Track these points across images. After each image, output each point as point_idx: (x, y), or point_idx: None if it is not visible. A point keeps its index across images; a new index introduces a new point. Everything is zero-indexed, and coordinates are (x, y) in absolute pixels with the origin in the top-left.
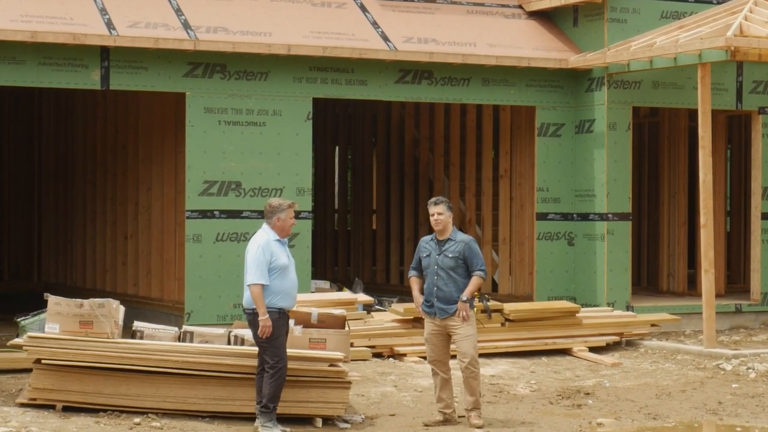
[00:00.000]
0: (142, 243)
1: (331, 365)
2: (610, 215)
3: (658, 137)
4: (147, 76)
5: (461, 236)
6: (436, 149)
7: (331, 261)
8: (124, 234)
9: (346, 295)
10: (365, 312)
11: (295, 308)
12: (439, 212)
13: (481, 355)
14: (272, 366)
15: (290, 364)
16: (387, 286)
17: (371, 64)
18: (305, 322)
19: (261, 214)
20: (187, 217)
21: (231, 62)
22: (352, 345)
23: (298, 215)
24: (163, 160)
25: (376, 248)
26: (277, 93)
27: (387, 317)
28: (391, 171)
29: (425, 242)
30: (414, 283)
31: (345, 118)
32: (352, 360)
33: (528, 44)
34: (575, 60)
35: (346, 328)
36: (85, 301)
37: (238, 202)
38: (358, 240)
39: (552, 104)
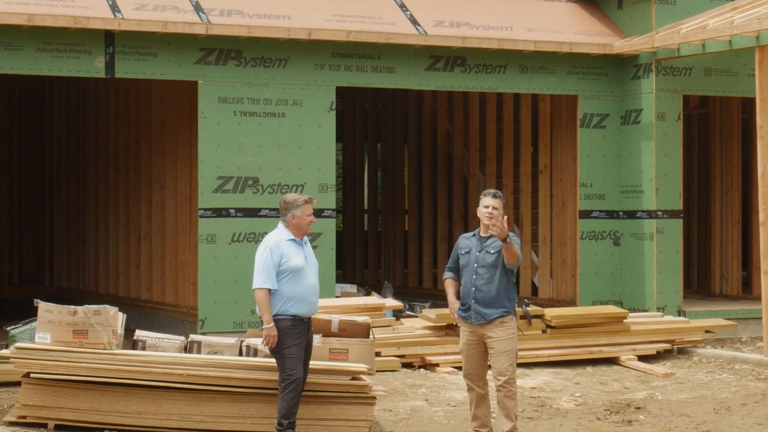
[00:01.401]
0: (155, 244)
1: (353, 378)
2: (659, 213)
3: (708, 130)
4: (155, 63)
5: None
6: (471, 144)
7: (360, 264)
8: (138, 235)
9: (372, 299)
10: (394, 318)
11: (314, 315)
12: (495, 206)
13: (520, 365)
14: (283, 379)
15: (308, 377)
16: (419, 290)
17: (399, 50)
18: (325, 330)
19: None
20: (200, 216)
21: (247, 48)
22: (378, 354)
23: (320, 214)
24: (177, 155)
25: (407, 250)
26: (298, 81)
27: (418, 324)
28: (423, 168)
29: (465, 239)
30: (449, 286)
31: (375, 113)
32: (379, 371)
33: (569, 28)
34: (620, 45)
35: (371, 337)
36: (79, 308)
37: (255, 199)
38: (388, 241)
39: (595, 93)
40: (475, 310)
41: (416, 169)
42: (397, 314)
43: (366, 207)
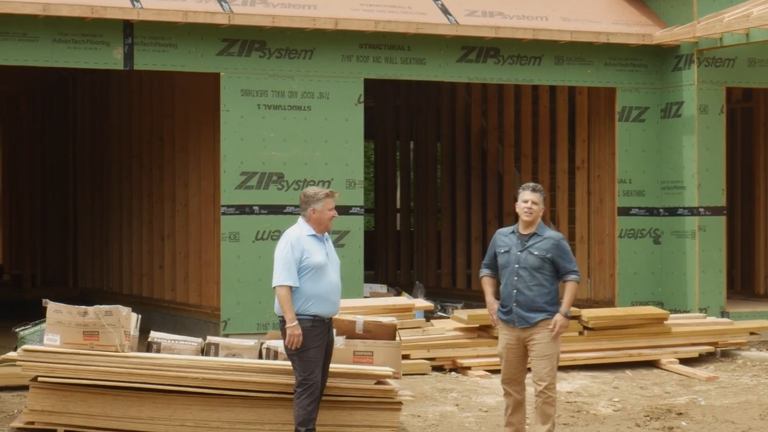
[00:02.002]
0: (179, 244)
1: (378, 383)
2: (701, 209)
3: (752, 124)
4: (176, 54)
5: (550, 232)
6: (506, 139)
7: (393, 264)
8: (161, 234)
9: (401, 300)
10: (424, 319)
11: (338, 316)
12: (534, 201)
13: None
14: (299, 383)
15: (330, 382)
16: (453, 291)
17: (430, 41)
18: (349, 332)
19: None
20: (223, 213)
21: (271, 38)
22: (407, 357)
23: (348, 211)
24: (200, 150)
25: (440, 250)
26: (324, 73)
27: (449, 325)
28: (456, 165)
29: (503, 235)
30: (487, 284)
31: (407, 110)
32: (407, 374)
33: (606, 18)
34: (661, 35)
35: (397, 339)
36: (90, 308)
37: (280, 195)
38: (421, 241)
39: (634, 85)
40: (517, 313)
41: (449, 166)
42: (429, 315)
43: (398, 206)
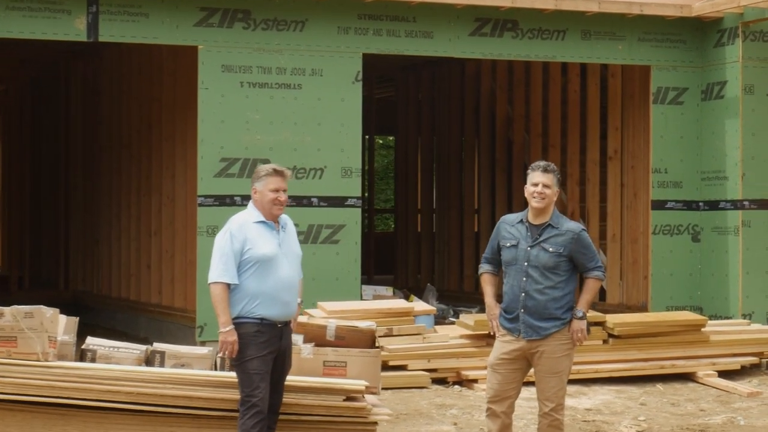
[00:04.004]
0: (165, 241)
1: (347, 399)
2: (746, 203)
3: None
4: (147, 24)
5: (568, 224)
6: (533, 129)
7: (413, 267)
8: (149, 231)
9: (398, 303)
10: (424, 325)
11: (306, 320)
12: (546, 183)
13: (576, 381)
14: (242, 401)
15: (288, 397)
16: (475, 295)
17: (438, 11)
18: (319, 338)
19: (295, 201)
20: (200, 204)
21: (256, 7)
22: (404, 368)
23: (344, 203)
24: (187, 138)
25: (463, 250)
26: (317, 47)
27: (453, 332)
28: (481, 157)
29: (509, 224)
30: (487, 283)
31: (429, 103)
32: (404, 388)
33: None
34: (701, 6)
35: (376, 347)
36: (7, 309)
37: None
38: (443, 241)
39: (671, 63)
40: (526, 322)
41: (473, 160)
42: (440, 321)
43: (419, 206)
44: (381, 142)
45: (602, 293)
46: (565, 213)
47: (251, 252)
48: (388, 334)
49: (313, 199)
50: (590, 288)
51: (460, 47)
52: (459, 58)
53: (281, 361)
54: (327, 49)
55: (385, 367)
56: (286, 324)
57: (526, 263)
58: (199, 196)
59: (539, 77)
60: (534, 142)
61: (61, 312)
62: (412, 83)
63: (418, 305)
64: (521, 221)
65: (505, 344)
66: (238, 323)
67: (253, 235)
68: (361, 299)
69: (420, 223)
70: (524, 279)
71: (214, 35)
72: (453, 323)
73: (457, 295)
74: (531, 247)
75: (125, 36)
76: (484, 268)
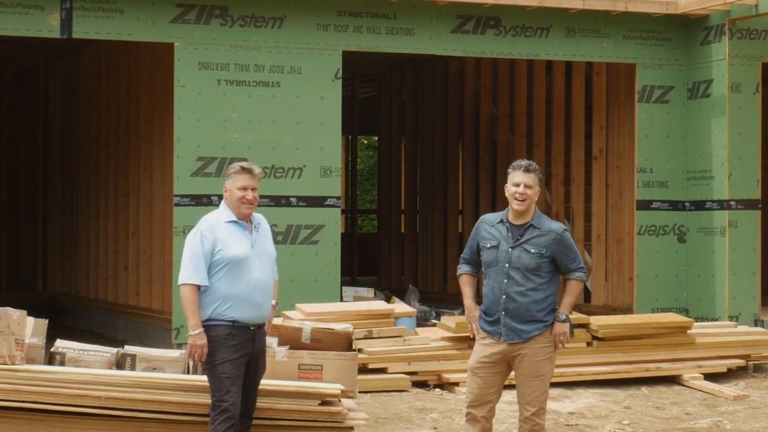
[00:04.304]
0: (143, 242)
1: (323, 403)
2: (732, 203)
3: None
4: (122, 21)
5: (550, 224)
6: (517, 128)
7: (396, 268)
8: (126, 232)
9: (378, 305)
10: (404, 327)
11: (281, 322)
12: (527, 183)
13: (559, 384)
14: (213, 406)
15: (262, 402)
16: (458, 297)
17: (419, 8)
18: (294, 341)
19: (273, 201)
20: (176, 204)
21: (234, 4)
22: (384, 371)
23: (323, 202)
24: (164, 137)
25: (447, 251)
26: (296, 44)
27: (435, 334)
28: (465, 157)
29: (488, 224)
30: (466, 284)
31: (413, 103)
32: (383, 391)
33: None
34: (687, 3)
35: (353, 350)
36: None
37: None
38: (426, 242)
39: (657, 61)
40: (507, 325)
41: (457, 160)
42: (422, 323)
43: (403, 206)
44: (366, 142)
45: (587, 294)
46: (549, 213)
47: (222, 253)
48: (368, 337)
49: (291, 199)
50: (572, 290)
51: (441, 45)
52: (442, 57)
53: (254, 365)
54: (306, 46)
55: (365, 370)
56: (260, 327)
57: (507, 265)
58: (176, 196)
59: (524, 76)
60: (519, 141)
61: (39, 314)
62: (396, 82)
63: (399, 307)
64: (501, 221)
65: (485, 347)
66: (209, 326)
67: (224, 236)
68: (342, 301)
69: (403, 223)
70: (505, 281)
71: (190, 32)
72: (435, 325)
73: (441, 297)
74: (512, 248)
75: (100, 33)
76: (463, 269)
